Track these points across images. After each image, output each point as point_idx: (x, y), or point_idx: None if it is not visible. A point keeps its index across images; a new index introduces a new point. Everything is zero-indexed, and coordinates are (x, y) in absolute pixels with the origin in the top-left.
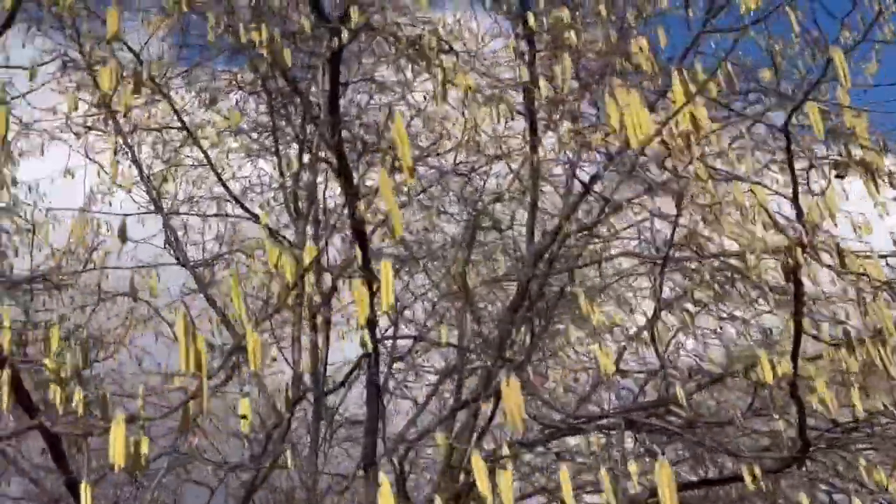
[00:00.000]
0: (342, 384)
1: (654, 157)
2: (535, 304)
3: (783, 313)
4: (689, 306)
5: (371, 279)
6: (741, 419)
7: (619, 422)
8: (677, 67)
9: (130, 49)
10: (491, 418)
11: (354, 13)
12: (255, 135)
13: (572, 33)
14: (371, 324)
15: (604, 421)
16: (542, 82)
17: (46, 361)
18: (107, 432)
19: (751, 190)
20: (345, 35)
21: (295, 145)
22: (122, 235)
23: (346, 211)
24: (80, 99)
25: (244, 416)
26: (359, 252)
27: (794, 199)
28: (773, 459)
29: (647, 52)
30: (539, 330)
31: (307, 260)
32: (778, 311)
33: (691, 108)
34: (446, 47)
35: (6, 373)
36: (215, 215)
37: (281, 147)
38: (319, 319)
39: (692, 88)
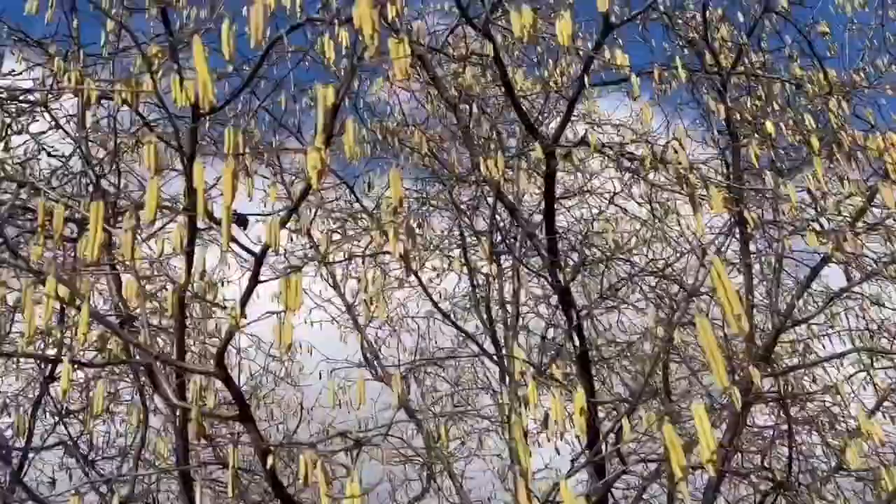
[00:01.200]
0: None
1: None
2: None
3: None
4: None
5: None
6: None
7: None
8: None
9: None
10: None
11: (592, 137)
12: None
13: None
14: (594, 439)
15: None
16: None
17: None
18: None
19: None
20: (580, 151)
21: (482, 256)
22: None
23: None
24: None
25: None
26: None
27: None
28: None
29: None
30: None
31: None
32: None
33: None
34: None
35: None
36: (438, 361)
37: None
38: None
39: None
